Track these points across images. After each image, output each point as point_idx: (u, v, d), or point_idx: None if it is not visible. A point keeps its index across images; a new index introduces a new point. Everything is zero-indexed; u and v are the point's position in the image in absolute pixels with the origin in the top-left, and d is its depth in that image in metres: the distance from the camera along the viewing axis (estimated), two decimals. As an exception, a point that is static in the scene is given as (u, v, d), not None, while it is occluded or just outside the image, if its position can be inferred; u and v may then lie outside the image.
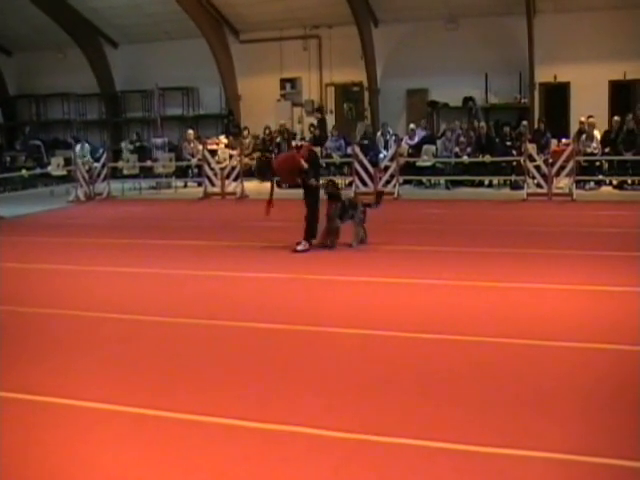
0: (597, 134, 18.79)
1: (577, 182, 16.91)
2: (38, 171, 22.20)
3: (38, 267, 10.13)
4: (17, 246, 12.10)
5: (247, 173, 19.75)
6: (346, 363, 5.82)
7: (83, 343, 6.57)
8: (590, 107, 19.70)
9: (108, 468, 4.13)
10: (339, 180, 20.33)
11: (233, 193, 18.31)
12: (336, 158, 20.26)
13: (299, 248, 10.46)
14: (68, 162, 20.28)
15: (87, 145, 21.36)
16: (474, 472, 3.96)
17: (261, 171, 11.39)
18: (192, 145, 21.52)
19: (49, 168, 21.66)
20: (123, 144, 23.44)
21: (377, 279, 8.73)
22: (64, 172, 20.82)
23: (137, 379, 5.56)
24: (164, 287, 8.72)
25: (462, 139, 19.55)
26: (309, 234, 10.66)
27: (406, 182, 19.14)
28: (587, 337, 6.20)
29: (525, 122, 20.00)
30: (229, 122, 24.63)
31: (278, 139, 22.25)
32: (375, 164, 18.05)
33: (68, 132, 26.94)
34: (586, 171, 18.05)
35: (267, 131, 22.76)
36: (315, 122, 23.14)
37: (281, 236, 11.21)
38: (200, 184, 19.46)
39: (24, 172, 21.75)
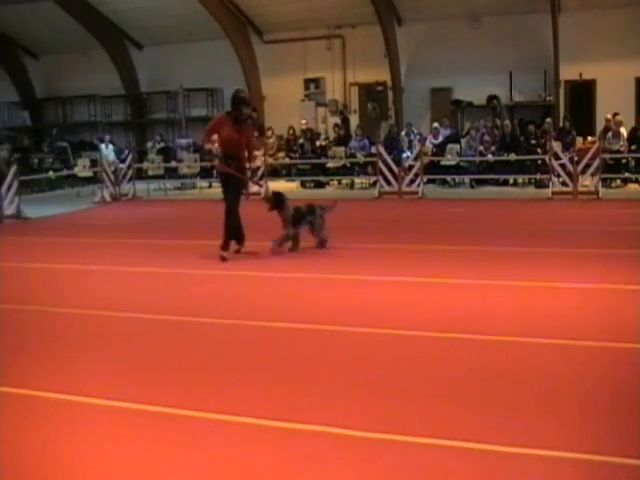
0: (624, 132, 18.62)
1: (603, 180, 16.77)
2: (65, 172, 22.42)
3: (63, 267, 10.21)
4: (42, 247, 12.24)
5: (271, 173, 19.84)
6: (367, 362, 5.81)
7: (108, 342, 6.62)
8: (616, 105, 19.52)
9: (129, 467, 4.16)
10: (364, 180, 20.44)
11: (257, 193, 18.32)
12: (360, 158, 20.26)
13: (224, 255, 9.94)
14: (94, 163, 20.47)
15: (111, 145, 21.52)
16: (494, 472, 3.95)
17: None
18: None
19: (75, 169, 21.88)
20: (149, 144, 23.62)
21: (399, 278, 8.70)
22: (90, 173, 21.02)
23: (161, 378, 5.59)
24: (188, 287, 8.77)
25: (486, 138, 19.46)
26: (227, 239, 10.01)
27: (430, 181, 19.08)
28: (607, 336, 6.15)
29: (549, 119, 19.86)
30: (253, 122, 24.56)
31: (301, 139, 22.28)
32: (398, 163, 18.03)
33: (94, 134, 27.19)
34: (612, 169, 17.90)
35: (291, 131, 22.79)
36: (339, 122, 23.13)
37: (302, 235, 11.20)
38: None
39: (51, 174, 21.98)
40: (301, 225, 10.43)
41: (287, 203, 10.35)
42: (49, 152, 24.99)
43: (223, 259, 9.85)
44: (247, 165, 10.26)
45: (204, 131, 10.65)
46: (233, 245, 10.21)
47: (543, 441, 4.23)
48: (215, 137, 10.49)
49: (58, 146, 24.96)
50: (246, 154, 10.21)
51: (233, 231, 10.03)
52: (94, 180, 20.44)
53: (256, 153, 10.58)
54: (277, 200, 10.37)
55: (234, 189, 10.03)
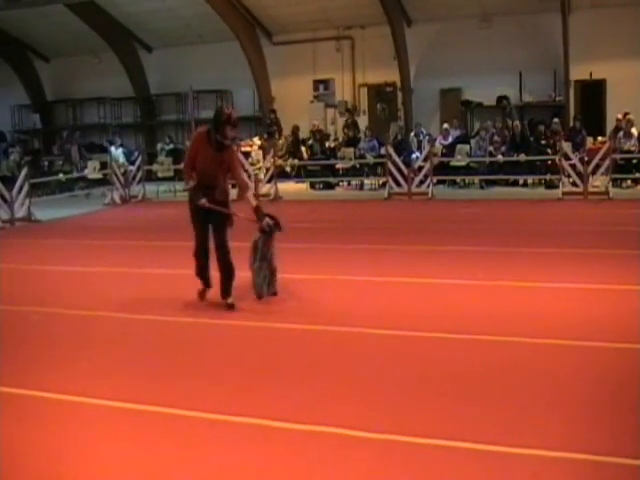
0: (635, 131, 18.53)
1: (614, 180, 16.71)
2: (75, 175, 22.48)
3: (72, 269, 10.24)
4: (53, 249, 12.30)
5: (281, 175, 19.85)
6: (378, 363, 5.82)
7: (112, 342, 6.65)
8: (627, 104, 19.42)
9: (132, 467, 4.17)
10: (373, 181, 20.41)
11: (267, 195, 18.36)
12: (370, 159, 20.23)
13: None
14: (104, 165, 20.53)
15: (121, 148, 21.55)
16: (500, 473, 3.96)
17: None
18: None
19: (85, 171, 21.93)
20: (158, 146, 23.67)
21: (409, 279, 8.71)
22: (100, 175, 21.07)
23: (166, 379, 5.60)
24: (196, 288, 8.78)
25: (496, 138, 19.39)
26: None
27: (440, 182, 19.02)
28: (611, 336, 6.15)
29: (557, 119, 19.75)
30: (271, 122, 24.39)
31: (310, 140, 22.25)
32: (408, 164, 17.99)
33: (104, 136, 27.27)
34: (623, 169, 17.81)
35: (295, 131, 22.69)
36: (347, 123, 23.09)
37: (313, 237, 11.22)
38: (234, 186, 19.48)
39: (61, 176, 22.03)
40: None
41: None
42: (59, 154, 25.08)
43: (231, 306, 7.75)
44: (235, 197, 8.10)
45: (185, 165, 8.06)
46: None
47: (547, 442, 4.26)
48: None
49: (68, 148, 25.04)
50: (229, 180, 8.16)
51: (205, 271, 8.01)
52: (104, 182, 20.49)
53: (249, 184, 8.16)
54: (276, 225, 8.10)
55: (216, 221, 7.86)
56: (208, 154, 7.61)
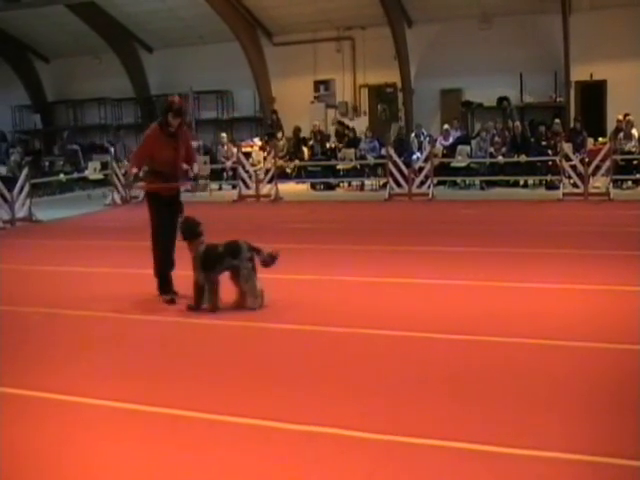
0: (635, 132, 18.53)
1: (614, 181, 16.71)
2: (75, 175, 22.49)
3: (72, 270, 10.25)
4: (53, 249, 12.30)
5: (281, 175, 19.84)
6: (377, 364, 5.81)
7: (111, 343, 6.65)
8: (627, 105, 19.42)
9: (132, 468, 4.17)
10: (374, 182, 20.38)
11: (268, 195, 18.37)
12: (370, 159, 20.23)
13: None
14: (105, 166, 20.54)
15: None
16: (500, 474, 3.95)
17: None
18: (226, 148, 21.62)
19: (86, 172, 21.95)
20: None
21: (410, 280, 8.70)
22: (101, 176, 21.08)
23: (165, 380, 5.60)
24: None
25: (497, 139, 19.39)
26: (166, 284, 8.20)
27: (440, 183, 19.02)
28: (610, 337, 6.15)
29: (558, 120, 19.76)
30: (272, 122, 24.37)
31: (311, 141, 22.24)
32: (408, 165, 17.99)
33: (104, 136, 27.28)
34: (623, 170, 17.82)
35: (297, 132, 22.68)
36: (350, 124, 23.10)
37: (314, 237, 11.20)
38: (235, 187, 19.53)
39: (62, 176, 22.05)
40: (217, 270, 7.59)
41: (202, 239, 7.63)
42: (60, 155, 25.11)
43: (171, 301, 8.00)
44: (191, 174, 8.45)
45: (134, 156, 8.50)
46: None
47: (546, 442, 4.24)
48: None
49: (69, 149, 25.06)
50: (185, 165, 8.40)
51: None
52: (105, 183, 20.49)
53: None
54: (188, 230, 7.68)
55: (174, 210, 8.16)
56: (163, 143, 7.92)
